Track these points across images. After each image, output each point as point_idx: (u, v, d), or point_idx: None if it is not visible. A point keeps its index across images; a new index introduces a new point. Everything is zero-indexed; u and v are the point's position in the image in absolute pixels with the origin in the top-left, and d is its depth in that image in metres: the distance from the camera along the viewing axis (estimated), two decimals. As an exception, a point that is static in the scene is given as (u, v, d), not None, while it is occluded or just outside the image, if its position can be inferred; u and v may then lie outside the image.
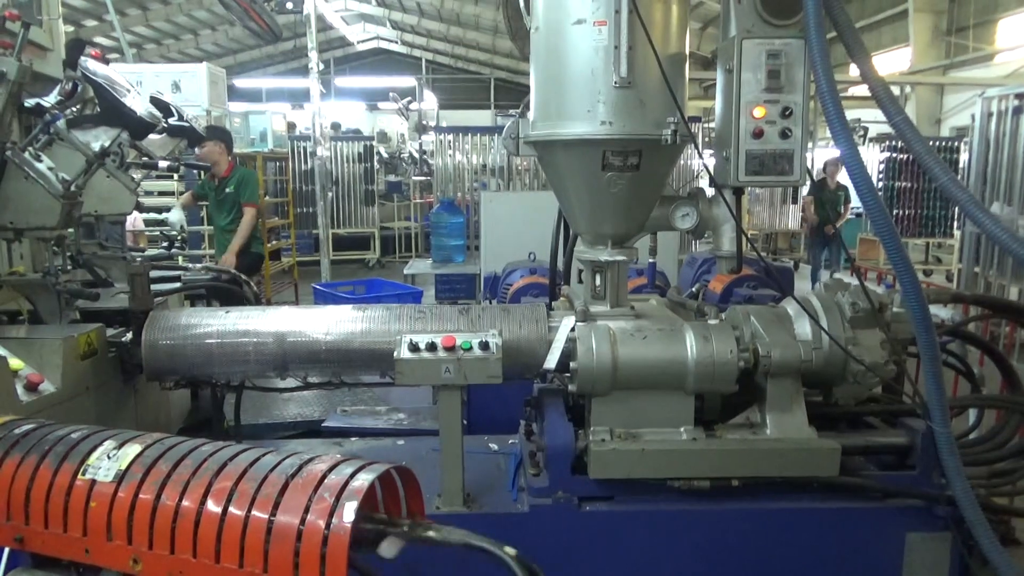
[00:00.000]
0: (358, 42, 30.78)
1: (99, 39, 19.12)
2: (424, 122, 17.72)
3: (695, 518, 2.52)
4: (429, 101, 22.07)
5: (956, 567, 2.54)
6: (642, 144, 2.52)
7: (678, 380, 2.52)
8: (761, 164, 2.57)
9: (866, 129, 15.76)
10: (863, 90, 3.78)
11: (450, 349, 2.41)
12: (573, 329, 2.60)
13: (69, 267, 3.41)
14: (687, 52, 2.66)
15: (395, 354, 2.43)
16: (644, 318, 2.75)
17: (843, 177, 10.87)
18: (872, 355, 2.53)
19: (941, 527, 2.52)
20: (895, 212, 12.67)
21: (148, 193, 10.31)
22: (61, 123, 3.22)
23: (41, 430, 1.62)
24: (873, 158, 13.92)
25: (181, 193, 10.81)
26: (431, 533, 1.37)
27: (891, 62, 18.77)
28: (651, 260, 4.80)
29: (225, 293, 3.74)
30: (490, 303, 4.99)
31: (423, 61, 32.50)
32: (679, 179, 9.63)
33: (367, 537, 1.38)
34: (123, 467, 1.47)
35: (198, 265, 4.26)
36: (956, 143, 13.14)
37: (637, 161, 2.54)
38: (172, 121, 4.01)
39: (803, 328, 2.61)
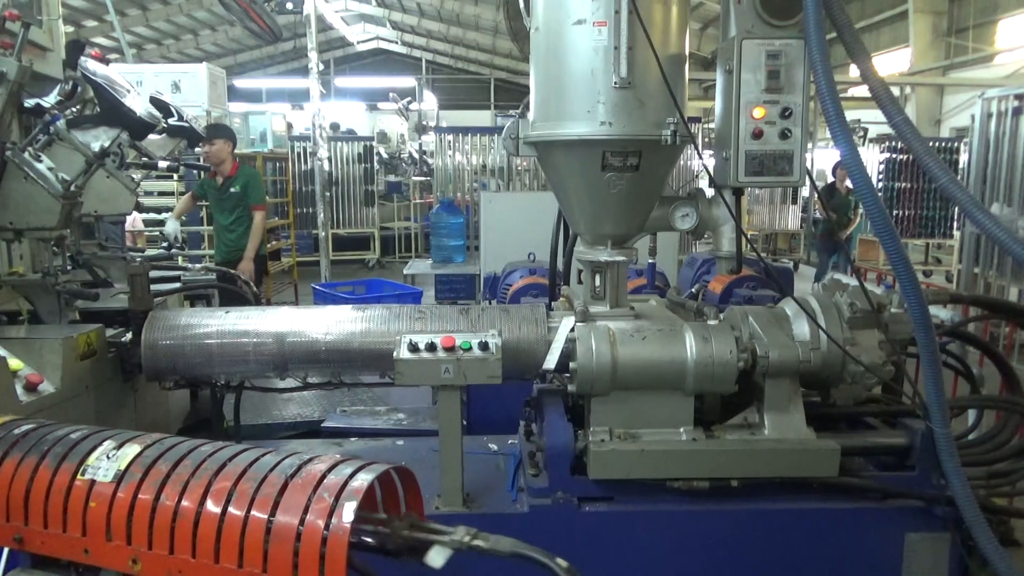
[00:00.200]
0: (358, 42, 30.78)
1: (99, 39, 19.14)
2: (424, 122, 17.75)
3: (694, 519, 2.52)
4: (429, 101, 22.09)
5: (955, 568, 2.54)
6: (642, 144, 2.52)
7: (677, 380, 2.52)
8: (761, 165, 2.57)
9: (866, 130, 15.75)
10: (863, 91, 3.78)
11: (450, 349, 2.41)
12: (573, 329, 2.60)
13: (69, 267, 3.41)
14: (687, 52, 2.66)
15: (395, 354, 2.43)
16: (644, 318, 2.75)
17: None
18: (870, 355, 2.53)
19: (940, 528, 2.52)
20: (895, 213, 12.67)
21: (148, 193, 10.31)
22: (61, 123, 3.22)
23: (40, 430, 1.63)
24: (873, 159, 13.92)
25: (182, 194, 10.83)
26: (479, 542, 1.36)
27: (891, 63, 18.77)
28: (651, 260, 4.80)
29: (232, 294, 3.75)
30: (490, 303, 4.99)
31: (423, 61, 32.51)
32: (679, 179, 9.64)
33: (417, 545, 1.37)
34: (122, 467, 1.48)
35: (198, 265, 4.26)
36: (956, 144, 13.15)
37: (637, 161, 2.54)
38: (172, 121, 4.00)
39: (801, 329, 2.61)
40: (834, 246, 11.15)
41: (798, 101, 2.54)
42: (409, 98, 18.53)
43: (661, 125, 2.48)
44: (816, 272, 11.63)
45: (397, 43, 32.57)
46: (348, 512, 1.32)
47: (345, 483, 1.37)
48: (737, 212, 2.72)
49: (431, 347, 2.42)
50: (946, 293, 3.13)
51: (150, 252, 5.69)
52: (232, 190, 6.37)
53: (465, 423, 2.64)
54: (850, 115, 2.42)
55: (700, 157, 2.86)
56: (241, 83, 28.18)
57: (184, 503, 1.40)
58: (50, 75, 3.35)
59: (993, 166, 6.57)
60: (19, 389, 2.55)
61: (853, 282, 2.71)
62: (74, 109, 3.49)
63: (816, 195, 13.31)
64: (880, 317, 2.60)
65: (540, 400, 2.83)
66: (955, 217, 12.40)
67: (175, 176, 9.85)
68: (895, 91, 14.51)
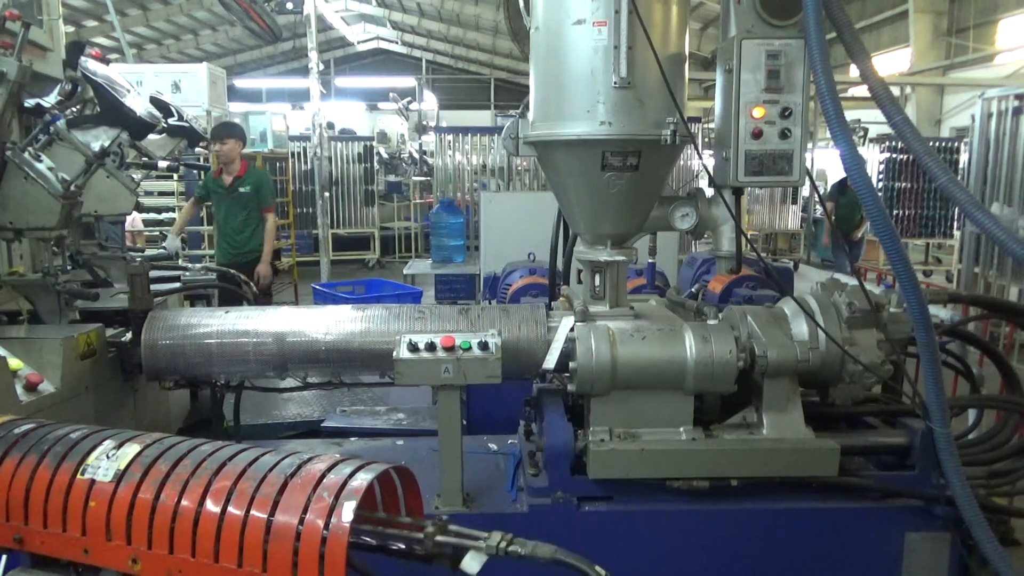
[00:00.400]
0: (358, 42, 30.77)
1: (99, 39, 19.13)
2: (424, 122, 17.74)
3: (694, 518, 2.52)
4: (429, 101, 22.06)
5: (955, 567, 2.54)
6: (641, 144, 2.52)
7: (677, 380, 2.52)
8: (760, 164, 2.57)
9: (866, 130, 15.74)
10: (863, 90, 3.78)
11: (449, 349, 2.41)
12: (572, 329, 2.60)
13: (69, 267, 3.41)
14: (687, 52, 2.66)
15: (394, 354, 2.43)
16: (643, 318, 2.75)
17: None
18: (869, 355, 2.53)
19: (940, 527, 2.52)
20: (895, 212, 12.65)
21: (148, 193, 10.32)
22: (61, 123, 3.22)
23: (40, 430, 1.63)
24: (873, 158, 13.91)
25: (182, 194, 10.84)
26: (516, 547, 1.36)
27: (891, 63, 18.76)
28: (651, 260, 4.80)
29: (234, 296, 3.75)
30: (490, 303, 4.99)
31: (423, 61, 32.50)
32: (679, 179, 9.64)
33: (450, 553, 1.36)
34: (122, 467, 1.48)
35: (198, 265, 4.26)
36: (956, 144, 13.14)
37: (636, 161, 2.54)
38: (172, 121, 4.01)
39: (800, 328, 2.61)
40: (850, 244, 11.01)
41: (798, 101, 2.54)
42: (409, 98, 18.52)
43: (661, 125, 2.48)
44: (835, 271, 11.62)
45: (397, 43, 32.55)
46: (348, 511, 1.32)
47: (345, 483, 1.37)
48: (737, 212, 2.72)
49: (431, 347, 2.42)
50: (944, 293, 3.13)
51: (150, 252, 5.70)
52: (241, 190, 6.31)
53: (465, 423, 2.64)
54: (850, 115, 2.42)
55: (700, 157, 2.86)
56: (241, 83, 28.18)
57: (184, 503, 1.40)
58: (50, 75, 3.35)
59: (993, 166, 6.56)
60: (19, 389, 2.55)
61: (852, 282, 2.71)
62: (74, 109, 3.49)
63: (816, 195, 13.31)
64: (879, 317, 2.60)
65: (540, 400, 2.83)
66: (955, 217, 12.39)
67: (175, 176, 9.85)
68: (895, 91, 14.51)
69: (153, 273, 3.25)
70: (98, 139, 3.36)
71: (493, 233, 7.20)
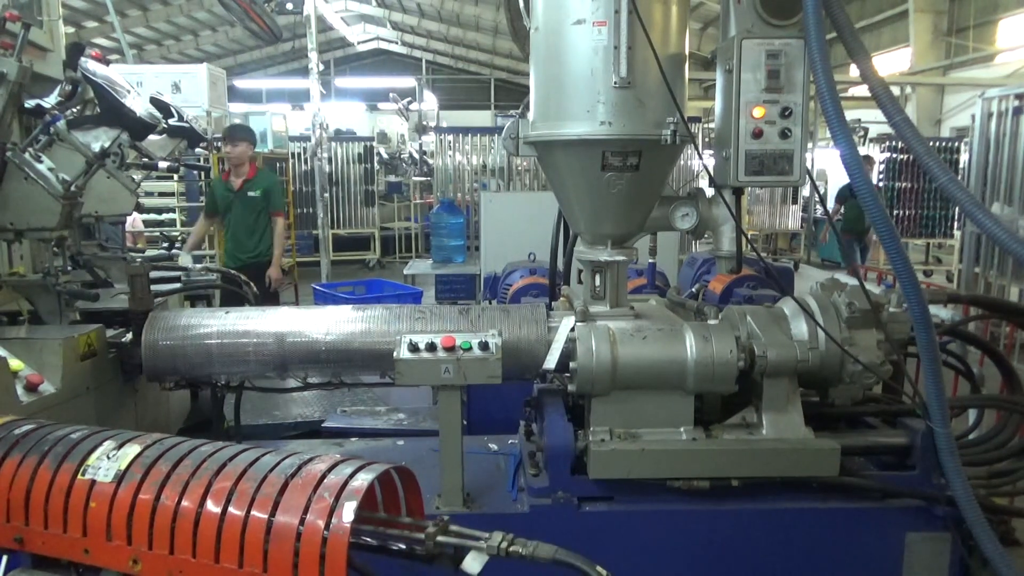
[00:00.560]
0: (358, 43, 30.77)
1: (99, 40, 19.13)
2: (424, 123, 17.74)
3: (695, 518, 2.52)
4: (429, 102, 22.06)
5: (956, 567, 2.54)
6: (642, 144, 2.52)
7: (678, 380, 2.52)
8: (761, 164, 2.57)
9: (866, 129, 15.75)
10: (863, 90, 3.78)
11: (450, 349, 2.41)
12: (573, 329, 2.60)
13: (69, 268, 3.41)
14: (687, 52, 2.66)
15: (395, 354, 2.43)
16: (644, 318, 2.75)
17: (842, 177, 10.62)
18: (868, 355, 2.53)
19: (941, 527, 2.52)
20: (895, 212, 12.65)
21: (148, 194, 10.33)
22: (61, 124, 3.22)
23: (41, 430, 1.63)
24: (873, 158, 13.91)
25: (182, 194, 10.85)
26: (517, 548, 1.36)
27: (891, 62, 18.76)
28: (651, 260, 4.80)
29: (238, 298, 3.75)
30: (490, 303, 4.99)
31: (423, 62, 32.50)
32: (679, 179, 9.63)
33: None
34: (123, 467, 1.48)
35: (198, 266, 4.26)
36: (956, 143, 13.13)
37: (637, 161, 2.54)
38: (172, 122, 4.00)
39: (799, 328, 2.61)
40: (862, 244, 10.87)
41: (798, 101, 2.54)
42: (409, 98, 18.52)
43: (661, 125, 2.48)
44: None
45: (397, 43, 32.56)
46: (348, 512, 1.32)
47: (345, 483, 1.37)
48: (737, 212, 2.72)
49: (431, 347, 2.42)
50: (944, 293, 3.13)
51: (150, 252, 5.69)
52: (250, 194, 6.29)
53: (465, 423, 2.64)
54: (850, 115, 2.42)
55: (700, 157, 2.86)
56: (241, 83, 28.19)
57: (184, 503, 1.40)
58: (50, 76, 3.35)
59: (993, 166, 6.55)
60: (19, 389, 2.54)
61: (853, 282, 2.71)
62: (74, 110, 3.49)
63: (816, 195, 13.31)
64: (878, 317, 2.60)
65: (540, 400, 2.83)
66: (955, 217, 12.39)
67: (175, 177, 9.85)
68: (895, 91, 14.51)
69: (153, 274, 3.25)
70: (98, 140, 3.36)
71: (493, 233, 7.21)
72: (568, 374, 2.56)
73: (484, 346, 2.43)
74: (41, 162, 3.02)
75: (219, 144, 6.39)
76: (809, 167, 2.77)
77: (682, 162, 10.28)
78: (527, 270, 4.87)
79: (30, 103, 3.29)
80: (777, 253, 14.97)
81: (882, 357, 2.56)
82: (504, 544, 1.36)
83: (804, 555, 2.54)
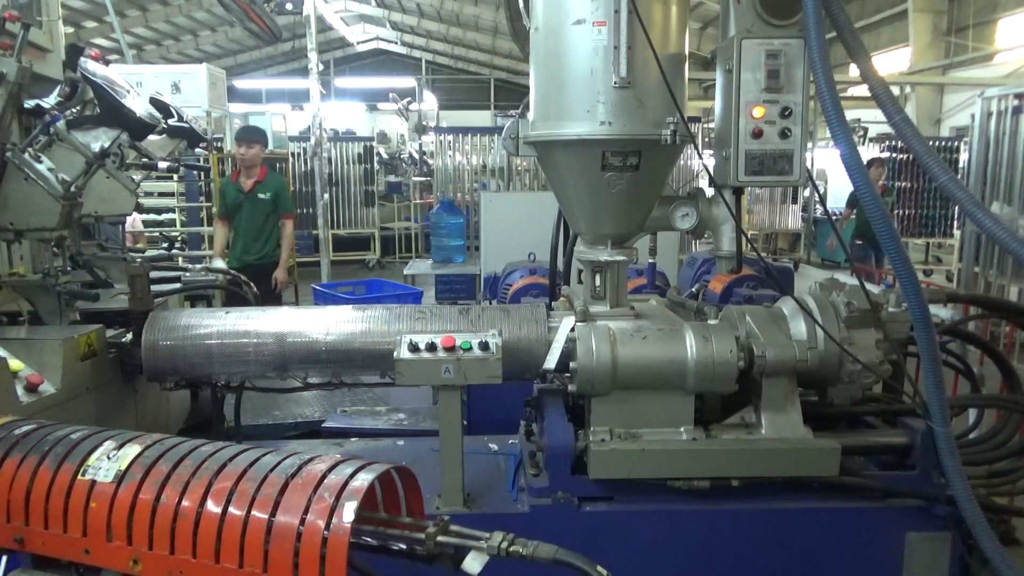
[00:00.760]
0: (358, 43, 30.78)
1: (99, 40, 19.13)
2: (424, 123, 17.74)
3: (695, 518, 2.52)
4: (429, 102, 22.07)
5: (956, 567, 2.54)
6: (642, 144, 2.52)
7: (678, 380, 2.52)
8: (761, 164, 2.57)
9: (866, 129, 15.75)
10: (863, 90, 3.78)
11: (450, 349, 2.41)
12: (573, 329, 2.60)
13: (69, 268, 3.41)
14: (687, 52, 2.66)
15: (395, 354, 2.43)
16: (644, 318, 2.75)
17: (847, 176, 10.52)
18: (867, 355, 2.53)
19: (941, 527, 2.52)
20: (895, 212, 12.65)
21: (148, 194, 10.33)
22: (61, 124, 3.22)
23: (41, 431, 1.63)
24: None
25: (182, 195, 10.84)
26: (518, 548, 1.36)
27: (891, 62, 18.77)
28: (651, 260, 4.79)
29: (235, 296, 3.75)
30: (490, 303, 4.99)
31: (423, 62, 32.51)
32: (679, 179, 9.63)
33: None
34: (123, 467, 1.48)
35: (198, 266, 4.26)
36: (956, 143, 13.15)
37: (637, 161, 2.54)
38: (172, 122, 4.00)
39: (798, 328, 2.61)
40: (877, 247, 10.13)
41: (798, 100, 2.54)
42: (409, 98, 18.53)
43: (661, 125, 2.48)
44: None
45: (397, 43, 32.57)
46: (349, 512, 1.32)
47: (346, 483, 1.37)
48: (737, 211, 2.72)
49: (431, 347, 2.42)
50: (943, 292, 3.13)
51: (150, 253, 5.69)
52: (261, 196, 6.29)
53: (465, 423, 2.64)
54: (850, 114, 2.42)
55: (700, 157, 2.86)
56: (241, 84, 28.19)
57: (185, 503, 1.40)
58: (50, 76, 3.35)
59: (993, 165, 6.56)
60: (20, 390, 2.54)
61: (852, 281, 2.71)
62: (74, 110, 3.49)
63: (816, 195, 13.30)
64: (877, 316, 2.60)
65: (540, 400, 2.83)
66: (955, 216, 12.40)
67: (175, 177, 9.85)
68: (895, 90, 14.51)
69: (153, 274, 3.25)
70: (98, 140, 3.36)
71: (493, 233, 7.21)
72: (568, 374, 2.56)
73: (484, 346, 2.43)
74: (41, 162, 3.02)
75: (217, 144, 6.38)
76: (809, 167, 2.76)
77: (682, 162, 10.28)
78: (527, 270, 4.87)
79: (30, 103, 3.29)
80: (777, 253, 14.98)
81: (881, 357, 2.56)
82: (504, 544, 1.36)
83: (804, 555, 2.54)
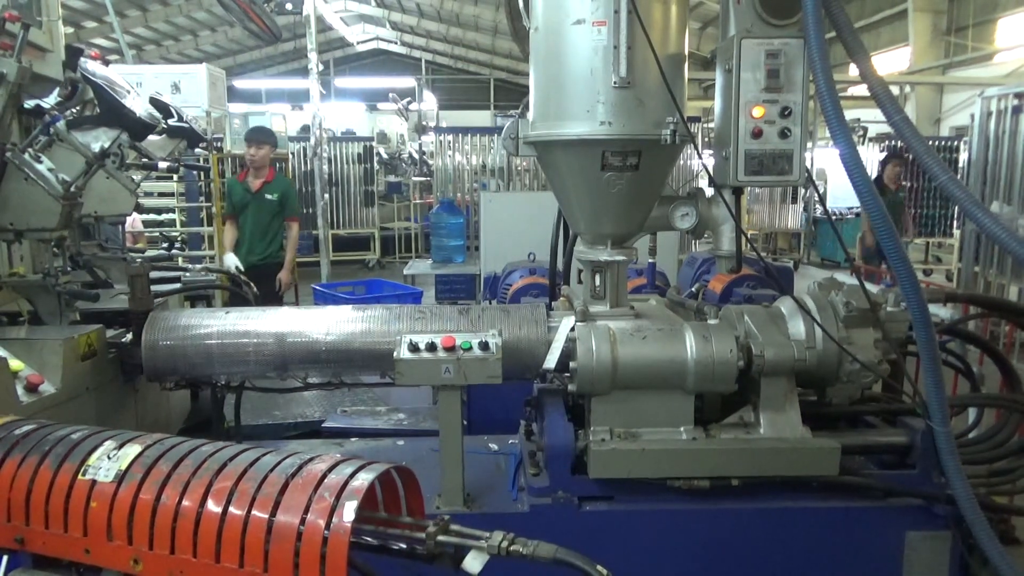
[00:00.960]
0: (358, 43, 30.78)
1: (99, 40, 19.14)
2: (424, 123, 17.75)
3: (695, 518, 2.52)
4: (429, 102, 22.08)
5: (956, 566, 2.54)
6: (641, 144, 2.52)
7: (678, 380, 2.52)
8: (760, 164, 2.57)
9: (865, 129, 15.76)
10: (862, 90, 3.78)
11: (450, 349, 2.41)
12: (573, 329, 2.60)
13: (69, 268, 3.41)
14: (686, 52, 2.66)
15: (395, 354, 2.43)
16: (644, 318, 2.75)
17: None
18: (866, 354, 2.53)
19: (941, 526, 2.52)
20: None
21: (148, 194, 10.32)
22: (61, 124, 3.22)
23: (41, 431, 1.63)
24: (873, 158, 13.91)
25: (182, 195, 10.83)
26: (518, 547, 1.36)
27: (890, 62, 18.78)
28: (651, 260, 4.80)
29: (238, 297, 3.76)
30: (490, 303, 4.99)
31: (423, 62, 32.52)
32: (679, 179, 9.63)
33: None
34: (123, 467, 1.48)
35: (198, 266, 4.26)
36: (956, 142, 13.15)
37: (636, 161, 2.54)
38: (172, 122, 4.01)
39: (797, 328, 2.61)
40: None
41: (797, 100, 2.54)
42: (409, 98, 18.54)
43: (661, 124, 2.48)
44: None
45: (396, 43, 32.57)
46: (349, 511, 1.32)
47: (346, 483, 1.37)
48: (737, 211, 2.72)
49: (431, 347, 2.42)
50: (941, 292, 3.13)
51: (150, 253, 5.69)
52: (268, 197, 6.28)
53: (465, 423, 2.64)
54: (849, 114, 2.42)
55: (700, 156, 2.86)
56: (241, 84, 28.20)
57: (185, 503, 1.40)
58: (50, 76, 3.34)
59: (993, 165, 6.56)
60: (20, 390, 2.55)
61: (851, 281, 2.71)
62: (74, 110, 3.49)
63: (816, 195, 13.29)
64: (876, 316, 2.60)
65: (540, 400, 2.83)
66: (955, 216, 12.39)
67: (175, 177, 9.84)
68: (894, 90, 14.50)
69: (153, 274, 3.25)
70: (98, 140, 3.36)
71: (493, 233, 7.21)
72: (568, 374, 2.56)
73: (484, 346, 2.44)
74: (41, 162, 3.02)
75: (217, 144, 6.39)
76: (809, 167, 2.76)
77: (682, 162, 10.28)
78: (527, 270, 4.87)
79: (30, 103, 3.29)
80: (777, 252, 14.98)
81: (879, 356, 2.56)
82: (505, 543, 1.36)
83: (804, 554, 2.54)
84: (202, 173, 10.03)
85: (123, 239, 5.74)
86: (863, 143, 15.00)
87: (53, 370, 2.69)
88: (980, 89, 7.51)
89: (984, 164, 6.58)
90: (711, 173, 2.76)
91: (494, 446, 3.07)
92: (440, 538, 1.39)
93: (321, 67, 10.69)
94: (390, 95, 18.27)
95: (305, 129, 14.94)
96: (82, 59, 3.38)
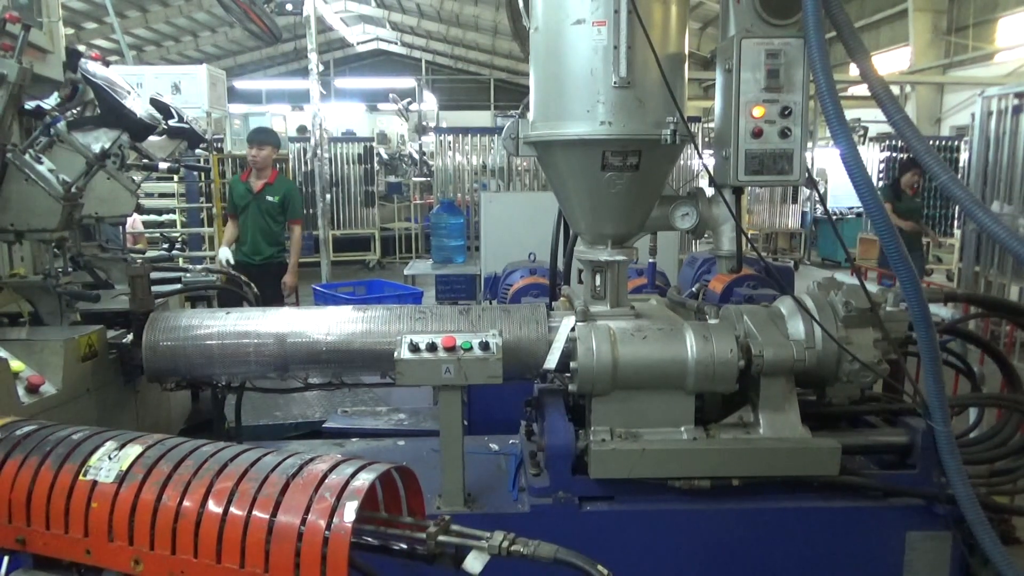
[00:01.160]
0: (358, 43, 30.79)
1: (99, 41, 19.16)
2: (424, 123, 17.76)
3: (696, 518, 2.52)
4: (429, 102, 22.09)
5: (957, 566, 2.54)
6: (641, 144, 2.52)
7: (678, 380, 2.52)
8: (760, 164, 2.57)
9: (866, 129, 15.76)
10: (863, 89, 3.78)
11: (450, 349, 2.41)
12: (573, 329, 2.60)
13: (70, 269, 3.41)
14: (686, 52, 2.66)
15: (395, 354, 2.43)
16: (644, 318, 2.75)
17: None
18: (865, 354, 2.53)
19: (941, 526, 2.52)
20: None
21: (148, 195, 10.34)
22: (61, 125, 3.23)
23: (42, 431, 1.63)
24: (873, 158, 13.92)
25: (182, 195, 10.86)
26: (519, 547, 1.36)
27: (891, 61, 18.77)
28: (651, 260, 4.80)
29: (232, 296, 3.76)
30: (490, 303, 4.99)
31: (423, 62, 32.53)
32: (679, 179, 9.63)
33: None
34: (124, 468, 1.48)
35: (198, 267, 4.26)
36: (956, 142, 13.15)
37: (637, 161, 2.54)
38: (172, 123, 4.01)
39: (796, 327, 2.61)
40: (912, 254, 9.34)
41: (798, 100, 2.54)
42: (409, 99, 18.54)
43: (661, 124, 2.48)
44: None
45: (397, 44, 32.58)
46: (350, 512, 1.32)
47: (346, 483, 1.37)
48: (737, 211, 2.72)
49: (432, 347, 2.42)
50: (940, 291, 3.13)
51: (151, 253, 5.69)
52: (269, 199, 6.25)
53: (466, 423, 2.64)
54: (850, 114, 2.42)
55: (700, 156, 2.86)
56: (241, 84, 28.19)
57: (186, 503, 1.40)
58: (50, 77, 3.35)
59: (993, 164, 6.56)
60: (20, 391, 2.55)
61: (850, 280, 2.71)
62: (75, 111, 3.50)
63: (816, 195, 13.28)
64: (876, 315, 2.60)
65: (541, 400, 2.83)
66: (955, 216, 12.39)
67: (175, 178, 9.86)
68: (895, 90, 14.51)
69: (154, 275, 3.25)
70: (98, 141, 3.37)
71: (493, 233, 7.21)
72: (569, 374, 2.56)
73: (485, 346, 2.44)
74: (41, 163, 3.02)
75: (217, 145, 6.40)
76: (809, 166, 2.76)
77: (682, 162, 10.28)
78: (527, 270, 4.87)
79: (30, 104, 3.29)
80: (777, 252, 14.98)
81: (879, 356, 2.56)
82: (505, 544, 1.36)
83: (805, 554, 2.54)
84: (202, 174, 10.05)
85: (124, 240, 5.74)
86: (863, 143, 15.01)
87: (54, 371, 2.69)
88: (980, 89, 7.52)
89: (984, 164, 6.59)
90: (711, 173, 2.76)
91: (495, 446, 3.07)
92: (441, 538, 1.39)
93: (321, 68, 10.69)
94: (390, 95, 18.28)
95: (302, 130, 14.97)
96: (82, 60, 3.38)
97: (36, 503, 1.50)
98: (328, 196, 10.90)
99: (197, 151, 6.44)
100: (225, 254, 6.12)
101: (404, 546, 1.45)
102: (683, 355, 2.50)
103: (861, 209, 11.26)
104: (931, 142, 10.54)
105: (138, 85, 6.84)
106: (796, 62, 2.52)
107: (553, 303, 3.12)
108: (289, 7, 10.15)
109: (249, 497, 1.37)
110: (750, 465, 2.48)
